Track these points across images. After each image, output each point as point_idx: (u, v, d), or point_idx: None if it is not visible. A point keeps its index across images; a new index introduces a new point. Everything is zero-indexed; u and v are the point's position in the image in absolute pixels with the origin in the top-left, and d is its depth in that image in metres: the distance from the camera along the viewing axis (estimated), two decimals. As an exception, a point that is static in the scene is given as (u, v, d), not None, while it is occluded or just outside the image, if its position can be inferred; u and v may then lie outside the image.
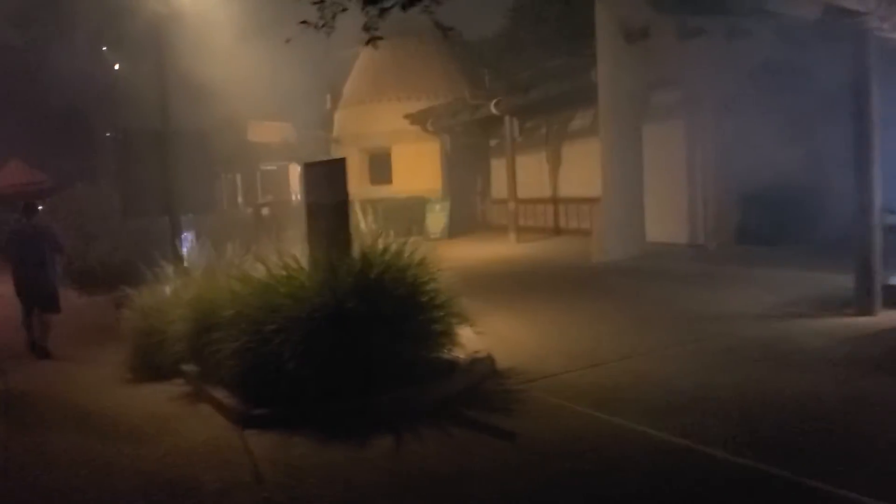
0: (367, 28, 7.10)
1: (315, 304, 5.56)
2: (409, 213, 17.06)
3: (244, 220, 14.31)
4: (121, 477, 4.57)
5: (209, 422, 5.57)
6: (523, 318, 8.16)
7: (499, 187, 19.07)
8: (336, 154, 23.18)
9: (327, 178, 6.07)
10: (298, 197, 26.57)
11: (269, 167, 29.04)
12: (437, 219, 18.23)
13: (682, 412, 4.85)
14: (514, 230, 15.77)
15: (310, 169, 6.26)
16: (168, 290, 7.72)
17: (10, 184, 25.73)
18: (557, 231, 16.49)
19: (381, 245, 6.16)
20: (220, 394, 5.81)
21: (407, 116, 19.16)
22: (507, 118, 15.84)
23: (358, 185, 19.16)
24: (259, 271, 6.15)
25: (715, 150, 11.62)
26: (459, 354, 6.16)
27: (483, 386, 5.83)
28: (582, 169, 15.15)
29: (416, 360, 5.77)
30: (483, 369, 6.11)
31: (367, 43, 7.11)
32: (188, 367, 6.65)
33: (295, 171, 29.40)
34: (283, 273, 6.02)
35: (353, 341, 5.44)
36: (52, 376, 7.49)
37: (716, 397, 5.12)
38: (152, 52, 9.45)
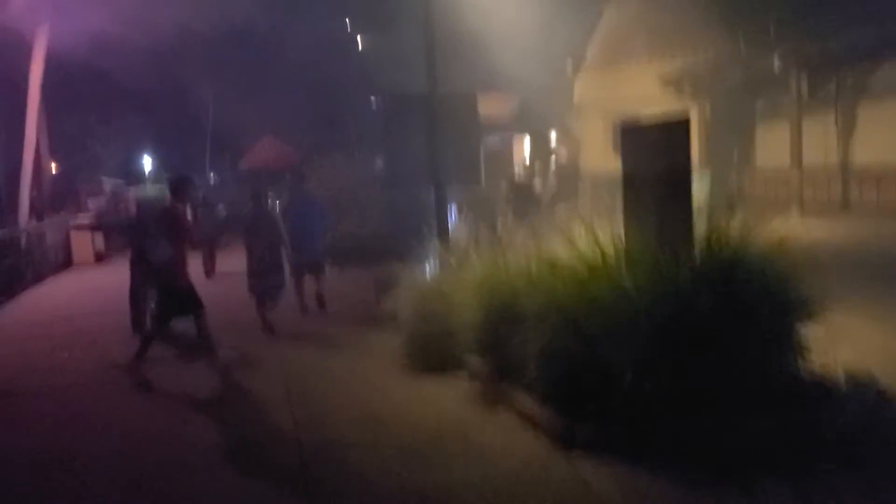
0: None
1: (651, 298, 4.39)
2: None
3: (495, 193, 13.53)
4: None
5: (517, 435, 4.64)
6: (878, 320, 6.33)
7: (767, 155, 16.63)
8: (577, 123, 21.84)
9: (662, 143, 4.83)
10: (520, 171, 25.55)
11: (492, 139, 28.32)
12: (696, 192, 16.25)
13: None
14: (798, 204, 13.51)
15: (634, 133, 5.04)
16: (442, 270, 6.97)
17: (262, 158, 27.60)
18: (846, 205, 13.93)
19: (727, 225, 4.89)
20: (526, 400, 4.87)
21: (661, 78, 17.24)
22: (793, 73, 13.52)
23: (601, 157, 17.68)
24: (565, 254, 5.11)
25: None
26: (828, 368, 4.70)
27: (878, 416, 4.33)
28: (889, 131, 12.53)
29: (780, 374, 4.46)
30: (870, 392, 4.59)
31: None
32: (474, 361, 5.81)
33: (521, 144, 28.49)
34: (598, 257, 4.93)
35: (704, 348, 4.23)
36: (327, 361, 6.99)
37: None
38: (395, 24, 8.77)
